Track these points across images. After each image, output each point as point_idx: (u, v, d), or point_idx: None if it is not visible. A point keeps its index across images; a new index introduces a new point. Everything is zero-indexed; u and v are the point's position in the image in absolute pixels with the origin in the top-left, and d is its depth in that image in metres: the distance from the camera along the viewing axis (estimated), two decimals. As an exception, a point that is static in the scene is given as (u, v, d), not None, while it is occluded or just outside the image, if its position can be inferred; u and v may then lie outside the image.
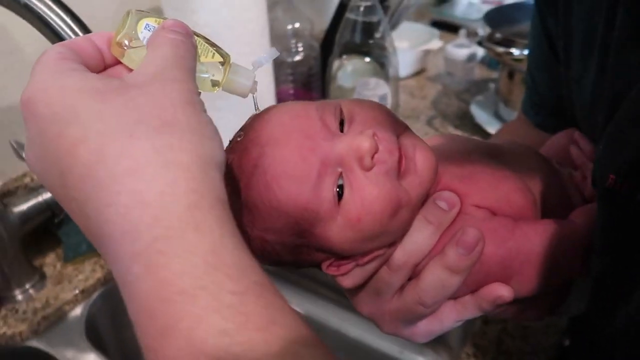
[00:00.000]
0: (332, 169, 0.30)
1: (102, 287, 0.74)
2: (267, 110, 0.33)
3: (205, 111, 0.26)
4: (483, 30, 1.16)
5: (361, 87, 0.83)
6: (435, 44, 1.17)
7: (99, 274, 0.73)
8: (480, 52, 1.13)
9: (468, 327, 0.65)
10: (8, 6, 0.44)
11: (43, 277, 0.72)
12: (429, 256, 0.33)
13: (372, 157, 0.29)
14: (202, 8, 0.71)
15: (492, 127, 0.95)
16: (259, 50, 0.78)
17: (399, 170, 0.30)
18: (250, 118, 0.34)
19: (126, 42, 0.29)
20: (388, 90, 0.85)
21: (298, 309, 0.87)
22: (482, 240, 0.31)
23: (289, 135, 0.30)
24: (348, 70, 0.85)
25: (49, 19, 0.44)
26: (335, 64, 0.84)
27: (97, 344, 0.68)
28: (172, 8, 0.73)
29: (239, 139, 0.33)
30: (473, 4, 1.47)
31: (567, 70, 0.41)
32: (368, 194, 0.29)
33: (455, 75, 1.13)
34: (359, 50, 0.83)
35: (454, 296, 0.34)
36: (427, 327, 0.34)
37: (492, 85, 1.13)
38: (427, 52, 1.17)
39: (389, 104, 0.87)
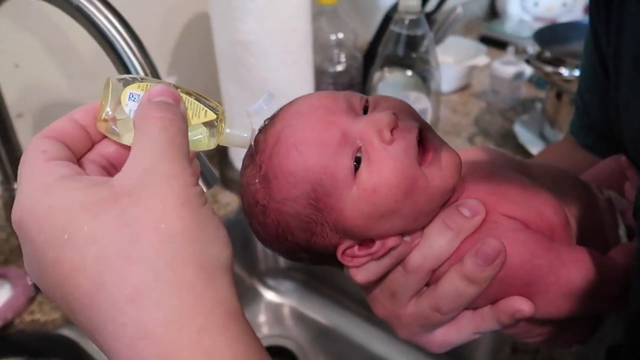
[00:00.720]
0: (352, 141, 0.30)
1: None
2: (298, 97, 0.34)
3: (204, 204, 0.25)
4: (532, 48, 1.13)
5: (401, 100, 0.82)
6: (482, 60, 1.15)
7: (131, 269, 0.76)
8: (528, 70, 1.10)
9: (496, 355, 0.63)
10: (61, 7, 0.46)
11: (79, 268, 0.75)
12: (449, 263, 0.32)
13: (392, 133, 0.30)
14: (247, 16, 0.72)
15: (535, 148, 0.92)
16: (301, 60, 0.79)
17: (422, 157, 0.31)
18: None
19: (109, 112, 0.27)
20: (429, 105, 0.84)
21: (324, 321, 0.87)
22: (503, 252, 0.30)
23: (314, 110, 0.31)
24: (389, 83, 0.84)
25: (98, 22, 0.46)
26: (377, 75, 0.84)
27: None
28: (218, 15, 0.75)
29: (266, 122, 0.33)
30: (525, 21, 1.44)
31: (617, 92, 0.39)
32: (385, 166, 0.29)
33: (500, 93, 1.11)
34: (402, 63, 0.82)
35: (474, 306, 0.33)
36: (444, 336, 0.34)
37: (538, 105, 1.10)
38: (472, 68, 1.15)
39: (428, 118, 0.85)
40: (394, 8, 0.93)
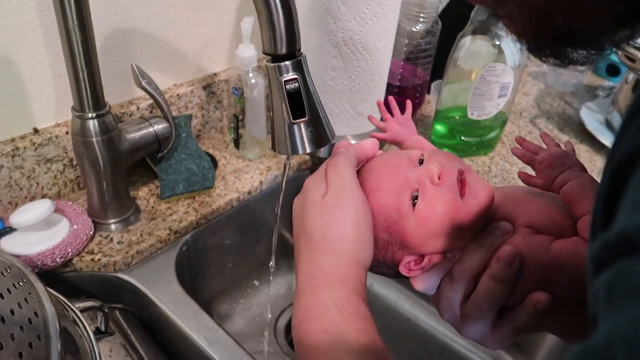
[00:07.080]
0: (410, 185, 0.41)
1: (194, 230, 0.72)
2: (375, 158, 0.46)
3: (369, 225, 0.41)
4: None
5: (487, 71, 0.78)
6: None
7: (192, 216, 0.71)
8: (593, 56, 1.06)
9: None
10: None
11: (138, 210, 0.70)
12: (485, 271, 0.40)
13: (439, 177, 0.40)
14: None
15: (602, 136, 0.90)
16: (391, 14, 0.73)
17: (462, 191, 0.40)
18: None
19: None
20: (512, 80, 0.80)
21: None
22: (518, 256, 0.38)
23: (385, 165, 0.44)
24: (471, 52, 0.80)
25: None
26: (464, 41, 0.79)
27: (186, 285, 0.65)
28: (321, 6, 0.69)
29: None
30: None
31: None
32: (435, 201, 0.40)
33: (562, 76, 1.08)
34: (490, 30, 0.78)
35: (511, 306, 0.40)
36: (494, 334, 0.41)
37: (600, 93, 1.08)
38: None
39: (508, 93, 0.82)
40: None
